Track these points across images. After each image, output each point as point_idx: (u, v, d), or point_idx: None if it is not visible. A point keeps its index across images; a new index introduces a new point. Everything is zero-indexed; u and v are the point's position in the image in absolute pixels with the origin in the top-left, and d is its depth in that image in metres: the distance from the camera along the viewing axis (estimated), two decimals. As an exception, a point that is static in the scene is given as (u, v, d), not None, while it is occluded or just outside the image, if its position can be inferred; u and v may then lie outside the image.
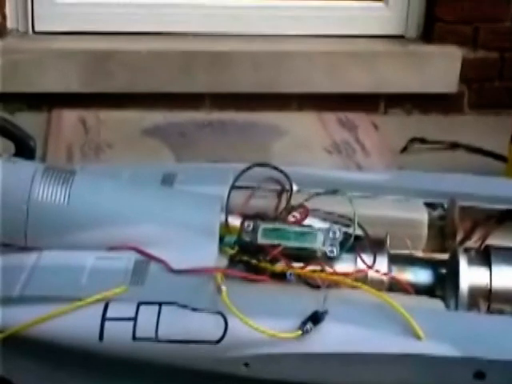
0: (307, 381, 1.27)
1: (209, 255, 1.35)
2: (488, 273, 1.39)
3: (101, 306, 1.26)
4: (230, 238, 1.41)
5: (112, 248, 1.36)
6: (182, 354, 1.25)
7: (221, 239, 1.40)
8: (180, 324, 1.25)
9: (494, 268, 1.39)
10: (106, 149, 2.44)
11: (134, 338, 1.25)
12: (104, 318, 1.25)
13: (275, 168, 1.53)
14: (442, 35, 2.75)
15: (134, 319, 1.25)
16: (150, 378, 1.29)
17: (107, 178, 1.50)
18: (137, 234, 1.37)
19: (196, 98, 2.66)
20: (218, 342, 1.24)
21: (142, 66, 2.61)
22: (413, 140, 2.57)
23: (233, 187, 1.49)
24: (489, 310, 1.37)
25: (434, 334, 1.25)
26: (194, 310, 1.25)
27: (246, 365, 1.25)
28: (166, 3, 2.70)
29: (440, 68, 2.74)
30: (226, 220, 1.44)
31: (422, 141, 2.57)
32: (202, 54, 2.65)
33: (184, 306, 1.26)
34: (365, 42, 2.77)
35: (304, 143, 2.54)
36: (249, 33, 2.72)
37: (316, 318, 1.23)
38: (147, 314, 1.26)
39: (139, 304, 1.26)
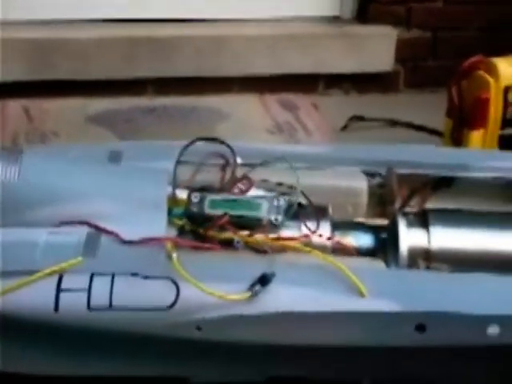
0: (258, 342, 1.31)
1: (158, 227, 1.38)
2: (426, 234, 1.44)
3: (55, 279, 1.29)
4: (177, 209, 1.44)
5: (64, 223, 1.39)
6: (135, 321, 1.27)
7: (169, 212, 1.43)
8: (133, 292, 1.28)
9: (432, 229, 1.45)
10: (51, 137, 2.45)
11: (89, 307, 1.27)
12: (59, 290, 1.28)
13: (219, 141, 1.56)
14: (376, 16, 2.80)
15: (88, 290, 1.28)
16: (105, 345, 1.31)
17: (55, 156, 1.53)
18: (88, 209, 1.40)
19: (139, 84, 2.68)
20: (170, 307, 1.27)
21: (84, 54, 2.61)
22: (352, 118, 2.61)
23: (178, 161, 1.53)
24: (427, 269, 1.42)
25: (377, 291, 1.29)
26: (146, 277, 1.28)
27: (199, 328, 1.28)
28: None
29: (376, 48, 2.79)
30: (174, 193, 1.48)
31: (361, 119, 2.62)
32: (142, 41, 2.66)
33: (136, 275, 1.29)
34: (301, 24, 2.81)
35: (246, 125, 2.57)
36: (189, 18, 2.74)
37: (264, 280, 1.27)
38: (101, 284, 1.28)
39: (92, 275, 1.29)
